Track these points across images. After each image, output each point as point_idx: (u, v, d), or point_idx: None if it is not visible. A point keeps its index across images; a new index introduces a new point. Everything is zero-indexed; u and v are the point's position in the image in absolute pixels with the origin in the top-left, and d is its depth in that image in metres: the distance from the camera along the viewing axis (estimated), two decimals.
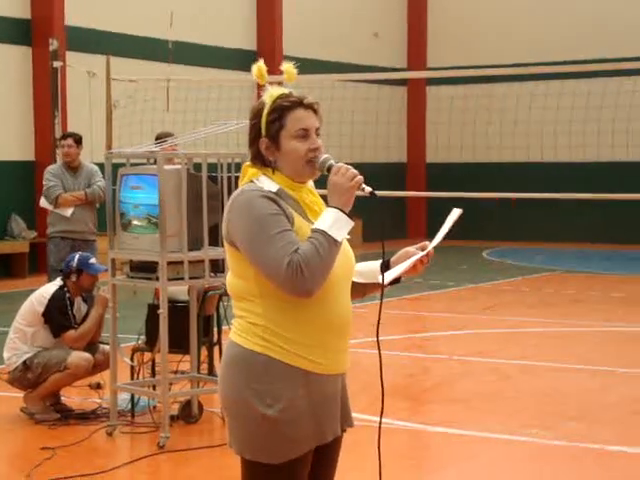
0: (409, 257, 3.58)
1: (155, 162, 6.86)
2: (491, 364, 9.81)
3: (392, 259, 3.62)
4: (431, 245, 3.60)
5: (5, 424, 7.59)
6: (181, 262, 6.79)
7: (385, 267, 3.61)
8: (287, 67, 3.58)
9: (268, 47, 21.20)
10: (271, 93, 3.48)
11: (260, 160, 3.48)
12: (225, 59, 20.47)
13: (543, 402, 8.24)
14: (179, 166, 6.86)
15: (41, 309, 7.57)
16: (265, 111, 3.45)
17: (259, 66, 3.58)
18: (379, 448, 3.58)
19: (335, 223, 3.33)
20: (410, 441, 7.48)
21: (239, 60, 20.66)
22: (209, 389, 7.66)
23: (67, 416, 7.56)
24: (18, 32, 17.35)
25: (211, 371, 7.99)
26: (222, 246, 6.95)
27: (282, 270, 3.26)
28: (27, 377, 7.52)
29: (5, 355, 7.68)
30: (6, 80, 17.25)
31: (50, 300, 7.58)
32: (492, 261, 19.98)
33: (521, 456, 6.91)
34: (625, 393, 8.62)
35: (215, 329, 8.05)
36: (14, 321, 7.72)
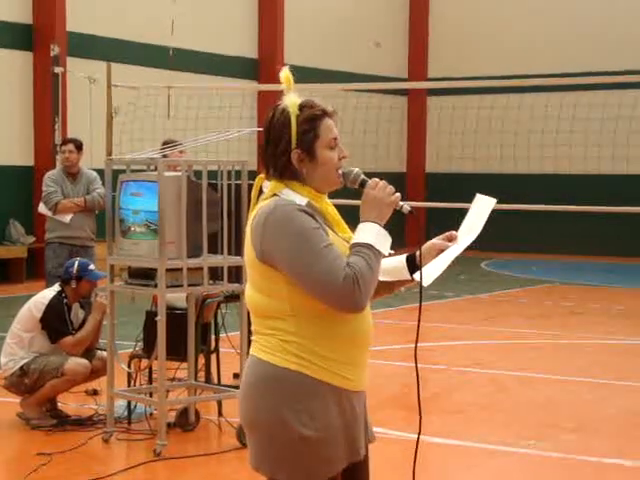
0: (436, 250, 3.56)
1: (155, 169, 6.85)
2: (489, 375, 9.80)
3: (418, 254, 3.53)
4: (467, 237, 3.61)
5: (1, 429, 7.58)
6: (180, 269, 6.78)
7: (412, 262, 3.56)
8: (286, 74, 3.39)
9: (269, 55, 21.19)
10: (292, 102, 3.33)
11: (289, 172, 3.32)
12: (226, 66, 20.46)
13: (540, 414, 8.22)
14: (179, 173, 6.86)
15: (39, 315, 7.56)
16: (294, 122, 3.30)
17: (287, 74, 3.39)
18: (414, 463, 3.51)
19: (378, 237, 3.29)
20: (406, 451, 7.43)
21: (240, 68, 20.68)
22: (206, 397, 7.65)
23: (63, 422, 7.54)
24: (19, 37, 17.35)
25: (208, 379, 7.98)
26: (221, 254, 6.96)
27: (338, 284, 3.16)
28: (24, 382, 7.50)
29: (2, 360, 7.66)
30: (7, 85, 17.25)
31: (48, 306, 7.57)
32: (491, 272, 19.96)
33: (518, 467, 6.89)
34: (623, 406, 8.60)
35: (213, 337, 8.04)
36: (11, 326, 7.71)
